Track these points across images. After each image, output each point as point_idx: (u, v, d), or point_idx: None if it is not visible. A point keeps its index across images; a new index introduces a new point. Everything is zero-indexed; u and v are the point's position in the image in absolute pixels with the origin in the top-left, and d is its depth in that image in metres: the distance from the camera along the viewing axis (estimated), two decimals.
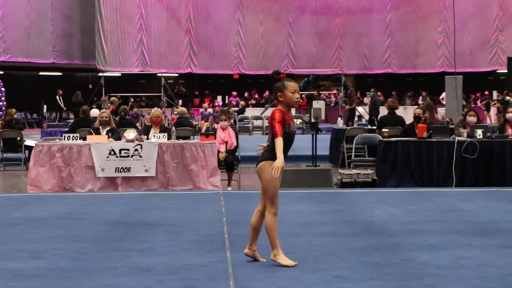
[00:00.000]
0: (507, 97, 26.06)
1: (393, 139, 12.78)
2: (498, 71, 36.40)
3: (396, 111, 15.87)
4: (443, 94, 27.85)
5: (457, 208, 9.66)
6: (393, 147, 12.47)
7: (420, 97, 35.85)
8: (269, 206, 6.16)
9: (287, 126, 6.14)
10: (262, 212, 6.25)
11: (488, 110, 32.51)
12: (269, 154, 6.16)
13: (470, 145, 12.21)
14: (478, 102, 35.06)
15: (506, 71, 17.39)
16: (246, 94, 37.55)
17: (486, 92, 35.53)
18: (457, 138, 12.40)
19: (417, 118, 13.59)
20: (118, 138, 12.60)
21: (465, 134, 12.59)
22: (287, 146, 6.20)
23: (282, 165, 5.98)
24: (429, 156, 12.34)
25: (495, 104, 32.02)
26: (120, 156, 12.05)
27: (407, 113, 26.41)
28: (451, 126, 15.05)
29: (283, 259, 6.22)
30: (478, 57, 36.79)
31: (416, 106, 23.77)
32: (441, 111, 25.02)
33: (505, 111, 13.74)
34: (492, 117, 32.01)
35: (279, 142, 6.06)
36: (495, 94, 33.93)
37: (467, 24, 35.73)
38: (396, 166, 12.43)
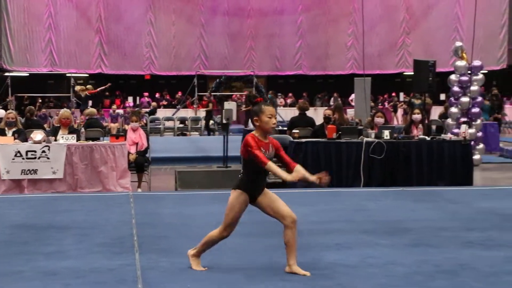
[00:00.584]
0: (413, 99, 26.74)
1: (304, 139, 12.90)
2: (405, 73, 37.33)
3: (306, 112, 16.03)
4: (352, 96, 28.35)
5: (365, 208, 9.84)
6: (303, 148, 12.57)
7: (332, 98, 36.40)
8: (223, 228, 6.02)
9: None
10: (285, 226, 6.11)
11: (395, 111, 33.29)
12: (241, 182, 6.00)
13: (377, 145, 12.44)
14: (386, 103, 35.88)
15: (412, 73, 17.83)
16: (157, 95, 37.22)
17: (393, 94, 36.41)
18: (365, 139, 12.61)
19: (327, 119, 13.78)
20: (24, 139, 12.27)
21: (373, 135, 12.82)
22: (259, 172, 6.03)
23: (292, 179, 6.26)
24: (338, 156, 12.50)
25: (401, 105, 32.84)
26: (27, 158, 11.75)
27: (317, 114, 26.75)
28: (360, 127, 15.31)
29: (197, 264, 6.17)
30: (386, 59, 37.63)
31: (326, 107, 24.08)
32: (350, 112, 25.45)
33: (411, 113, 14.08)
34: (399, 118, 32.78)
35: (272, 168, 6.00)
36: (402, 95, 34.82)
37: (375, 27, 36.48)
38: (306, 166, 12.27)
